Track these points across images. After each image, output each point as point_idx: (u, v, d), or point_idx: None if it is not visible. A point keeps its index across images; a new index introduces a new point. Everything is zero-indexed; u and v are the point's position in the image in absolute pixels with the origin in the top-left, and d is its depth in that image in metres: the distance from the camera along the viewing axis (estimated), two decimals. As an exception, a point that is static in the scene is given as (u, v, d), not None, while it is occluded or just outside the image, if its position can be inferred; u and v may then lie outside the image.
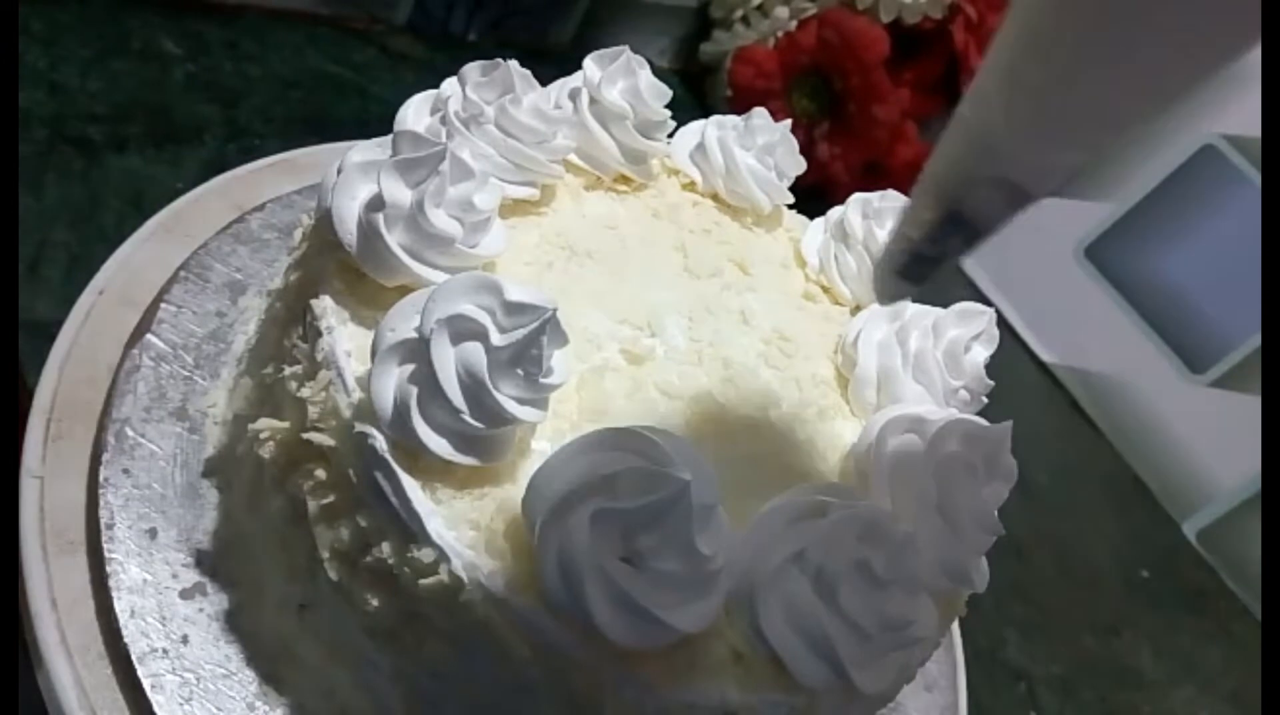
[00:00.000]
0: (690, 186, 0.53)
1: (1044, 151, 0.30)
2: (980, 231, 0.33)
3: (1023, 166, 0.31)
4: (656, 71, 0.50)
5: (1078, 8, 0.28)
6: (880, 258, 0.35)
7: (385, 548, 0.34)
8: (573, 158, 0.48)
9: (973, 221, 0.32)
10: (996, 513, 0.40)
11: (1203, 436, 0.88)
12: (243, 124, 0.66)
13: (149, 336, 0.46)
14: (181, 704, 0.37)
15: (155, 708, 0.36)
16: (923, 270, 0.35)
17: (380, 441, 0.34)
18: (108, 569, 0.39)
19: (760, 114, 0.53)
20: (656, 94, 0.50)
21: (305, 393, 0.36)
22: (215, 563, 0.41)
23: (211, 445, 0.44)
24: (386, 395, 0.34)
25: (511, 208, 0.45)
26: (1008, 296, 0.99)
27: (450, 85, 0.45)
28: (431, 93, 0.45)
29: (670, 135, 0.52)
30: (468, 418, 0.33)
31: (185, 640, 0.38)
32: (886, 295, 0.36)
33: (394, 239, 0.37)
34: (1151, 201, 0.90)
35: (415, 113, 0.45)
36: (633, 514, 0.32)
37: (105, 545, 0.39)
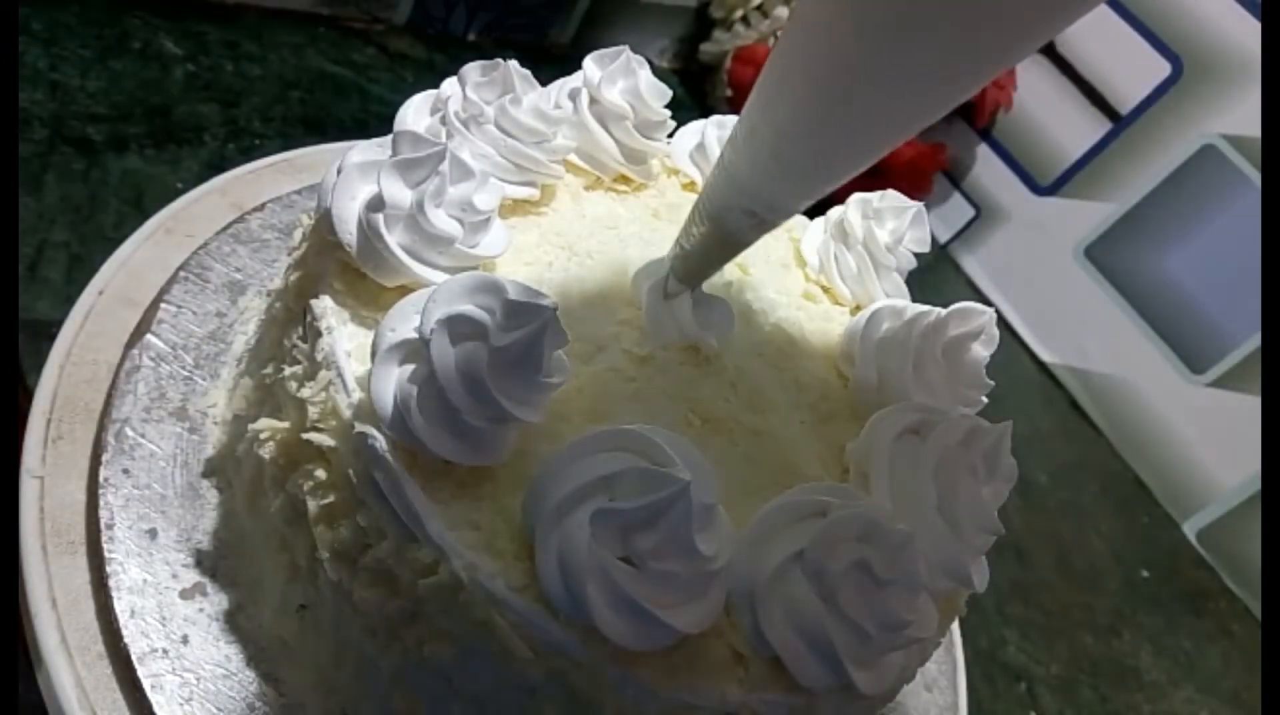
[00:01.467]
0: (690, 186, 0.53)
1: (774, 191, 0.37)
2: (737, 245, 0.40)
3: (760, 201, 0.37)
4: (656, 71, 0.50)
5: (793, 83, 0.34)
6: (659, 261, 0.42)
7: (385, 548, 0.34)
8: (573, 158, 0.48)
9: (730, 237, 0.39)
10: (996, 513, 0.40)
11: (1203, 436, 0.88)
12: (243, 124, 0.66)
13: (149, 336, 0.46)
14: (181, 704, 0.37)
15: (155, 708, 0.36)
16: (695, 274, 0.42)
17: (380, 441, 0.34)
18: (108, 569, 0.39)
19: (760, 114, 0.53)
20: (656, 94, 0.50)
21: (305, 393, 0.36)
22: (215, 563, 0.41)
23: (211, 445, 0.44)
24: (386, 395, 0.34)
25: (511, 208, 0.45)
26: (1008, 296, 0.99)
27: (450, 85, 0.45)
28: (431, 93, 0.45)
29: (670, 135, 0.52)
30: (468, 418, 0.33)
31: (185, 640, 0.38)
32: (668, 293, 0.42)
33: (394, 239, 0.37)
34: (1151, 201, 0.90)
35: (415, 113, 0.45)
36: (633, 514, 0.32)
37: (105, 545, 0.39)
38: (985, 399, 0.47)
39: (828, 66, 0.32)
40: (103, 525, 0.40)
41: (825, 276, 0.51)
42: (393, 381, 0.34)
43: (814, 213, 0.52)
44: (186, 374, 0.46)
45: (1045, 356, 0.97)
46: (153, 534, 0.41)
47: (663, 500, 0.31)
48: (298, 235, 0.43)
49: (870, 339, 0.46)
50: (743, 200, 0.37)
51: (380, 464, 0.34)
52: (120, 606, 0.38)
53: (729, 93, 0.91)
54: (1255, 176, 0.84)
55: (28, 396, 0.43)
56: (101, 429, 0.42)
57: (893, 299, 0.50)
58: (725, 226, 0.39)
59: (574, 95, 0.49)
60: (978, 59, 0.30)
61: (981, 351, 0.47)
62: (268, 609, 0.39)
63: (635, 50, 0.49)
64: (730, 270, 0.49)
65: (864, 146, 0.35)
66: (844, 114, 0.33)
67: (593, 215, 0.48)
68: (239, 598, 0.40)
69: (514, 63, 0.45)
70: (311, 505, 0.36)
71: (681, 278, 0.42)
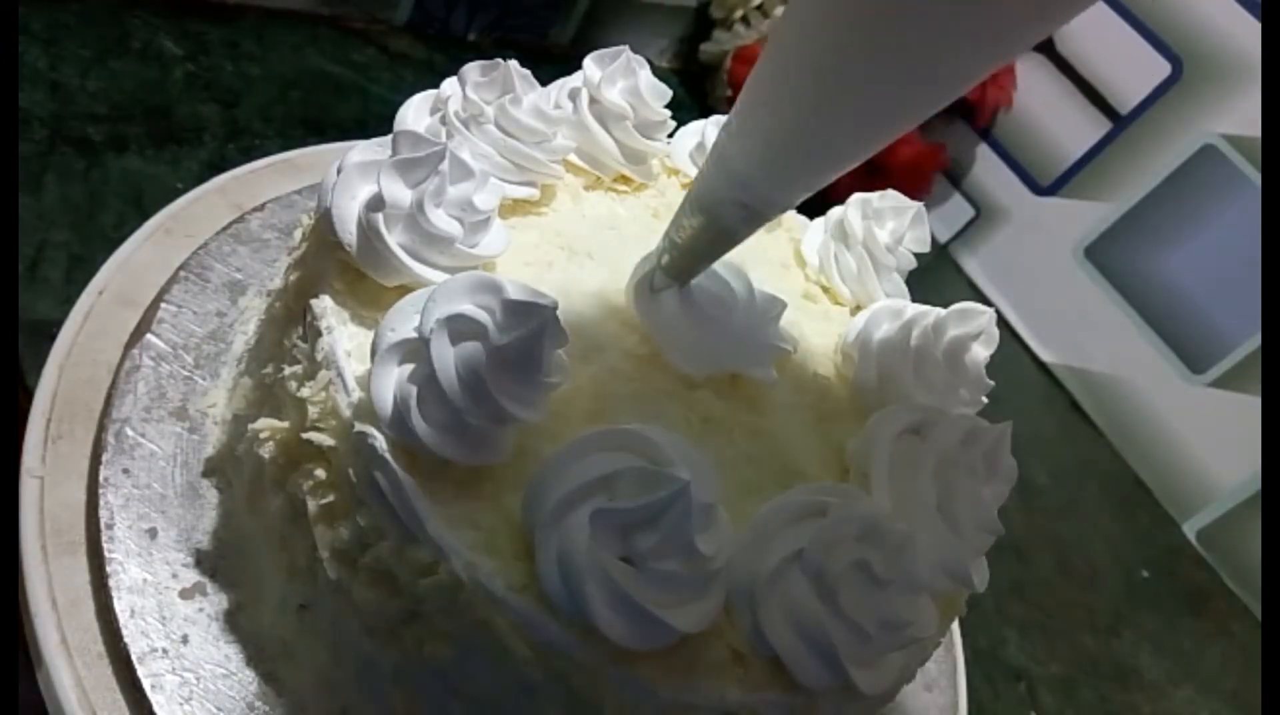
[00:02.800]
0: (690, 186, 0.53)
1: (768, 183, 0.36)
2: (728, 239, 0.39)
3: (753, 193, 0.37)
4: (656, 71, 0.50)
5: (787, 74, 0.34)
6: (651, 255, 0.41)
7: (385, 547, 0.34)
8: (573, 158, 0.48)
9: (722, 230, 0.39)
10: (996, 513, 0.40)
11: (1203, 436, 0.88)
12: (243, 124, 0.66)
13: (149, 336, 0.46)
14: (181, 704, 0.37)
15: (155, 708, 0.36)
16: (686, 269, 0.41)
17: (380, 441, 0.34)
18: (108, 569, 0.39)
19: (760, 114, 0.53)
20: (656, 94, 0.50)
21: (305, 393, 0.36)
22: (215, 562, 0.41)
23: (211, 445, 0.44)
24: (386, 395, 0.34)
25: (511, 208, 0.45)
26: (1008, 296, 0.99)
27: (450, 85, 0.45)
28: (431, 93, 0.45)
29: (670, 135, 0.52)
30: (467, 417, 0.33)
31: (185, 640, 0.38)
32: (655, 287, 0.41)
33: (394, 239, 0.37)
34: (1151, 201, 0.90)
35: (415, 113, 0.45)
36: (632, 514, 0.32)
37: (105, 545, 0.39)
38: (985, 399, 0.47)
39: (822, 59, 0.32)
40: (103, 525, 0.40)
41: (825, 276, 0.51)
42: (392, 381, 0.34)
43: (814, 213, 0.53)
44: (186, 374, 0.46)
45: (1045, 356, 0.97)
46: (153, 534, 0.41)
47: (662, 500, 0.31)
48: (298, 235, 0.43)
49: (870, 339, 0.46)
50: (735, 192, 0.37)
51: (380, 464, 0.34)
52: (120, 606, 0.38)
53: (729, 93, 0.91)
54: (1255, 176, 0.84)
55: (28, 396, 0.43)
56: (101, 429, 0.42)
57: (893, 299, 0.50)
58: (717, 219, 0.38)
59: (574, 95, 0.49)
60: (972, 53, 0.30)
61: (981, 351, 0.47)
62: (268, 609, 0.39)
63: (635, 50, 0.49)
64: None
65: (858, 141, 0.35)
66: (838, 108, 0.33)
67: (593, 215, 0.48)
68: (239, 597, 0.40)
69: (514, 63, 0.45)
70: (311, 505, 0.36)
71: (670, 273, 0.41)
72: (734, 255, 0.50)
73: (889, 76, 0.31)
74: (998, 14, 0.28)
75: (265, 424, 0.38)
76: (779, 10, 0.88)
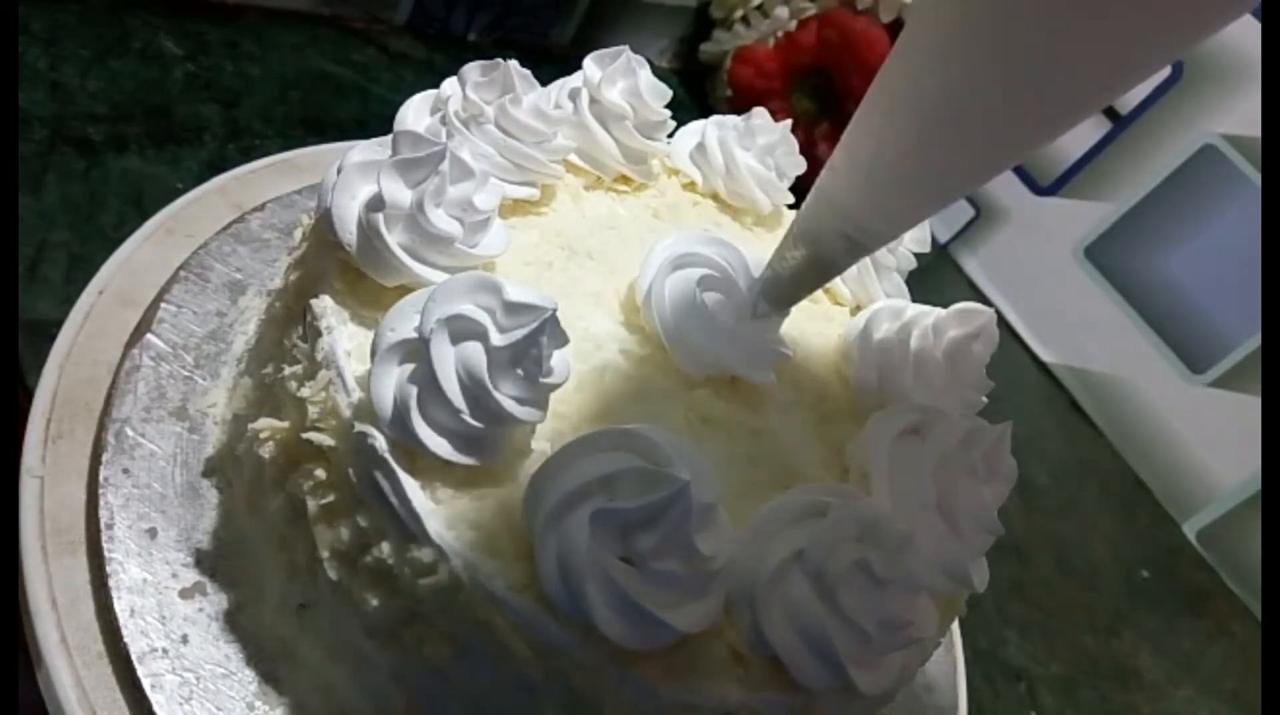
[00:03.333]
0: (690, 186, 0.53)
1: (870, 215, 0.37)
2: (830, 269, 0.40)
3: (855, 224, 0.37)
4: (656, 71, 0.50)
5: (896, 110, 0.34)
6: (755, 284, 0.42)
7: (385, 547, 0.34)
8: (573, 158, 0.48)
9: (824, 263, 0.39)
10: (996, 513, 0.40)
11: (1203, 436, 0.88)
12: (243, 124, 0.66)
13: (149, 336, 0.46)
14: (181, 703, 0.37)
15: (155, 707, 0.36)
16: (787, 297, 0.42)
17: (380, 441, 0.34)
18: (108, 569, 0.39)
19: (760, 114, 0.53)
20: (656, 94, 0.50)
21: (305, 392, 0.36)
22: (215, 562, 0.41)
23: (211, 445, 0.44)
24: (386, 395, 0.34)
25: (511, 208, 0.45)
26: (1008, 296, 0.99)
27: (450, 85, 0.45)
28: (431, 93, 0.45)
29: (670, 135, 0.52)
30: (467, 418, 0.33)
31: (185, 640, 0.38)
32: (757, 314, 0.42)
33: (394, 239, 0.37)
34: (1151, 201, 0.90)
35: (415, 113, 0.45)
36: (632, 514, 0.32)
37: (105, 545, 0.39)
38: (985, 399, 0.47)
39: (932, 99, 0.32)
40: (102, 525, 0.40)
41: (825, 276, 0.51)
42: (392, 381, 0.34)
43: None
44: (186, 374, 0.46)
45: (1045, 356, 0.97)
46: (152, 533, 0.41)
47: (662, 500, 0.31)
48: (298, 235, 0.43)
49: (870, 339, 0.46)
50: (838, 224, 0.37)
51: (380, 464, 0.34)
52: (120, 606, 0.38)
53: (729, 93, 0.91)
54: (1255, 176, 0.84)
55: (28, 396, 0.43)
56: (101, 429, 0.42)
57: (893, 299, 0.50)
58: (819, 250, 0.39)
59: (574, 95, 0.49)
60: (1088, 93, 0.30)
61: (981, 351, 0.47)
62: (268, 608, 0.39)
63: (635, 50, 0.49)
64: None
65: (962, 177, 0.35)
66: (944, 146, 0.33)
67: (593, 215, 0.48)
68: (239, 597, 0.40)
69: (514, 63, 0.45)
70: (311, 505, 0.36)
71: (773, 301, 0.42)
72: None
73: (999, 117, 0.31)
74: (1120, 50, 0.28)
75: (265, 424, 0.38)
76: (779, 10, 0.88)
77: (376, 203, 0.37)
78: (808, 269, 0.40)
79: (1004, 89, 0.30)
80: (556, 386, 0.35)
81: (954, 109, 0.32)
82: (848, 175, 0.37)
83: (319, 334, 0.37)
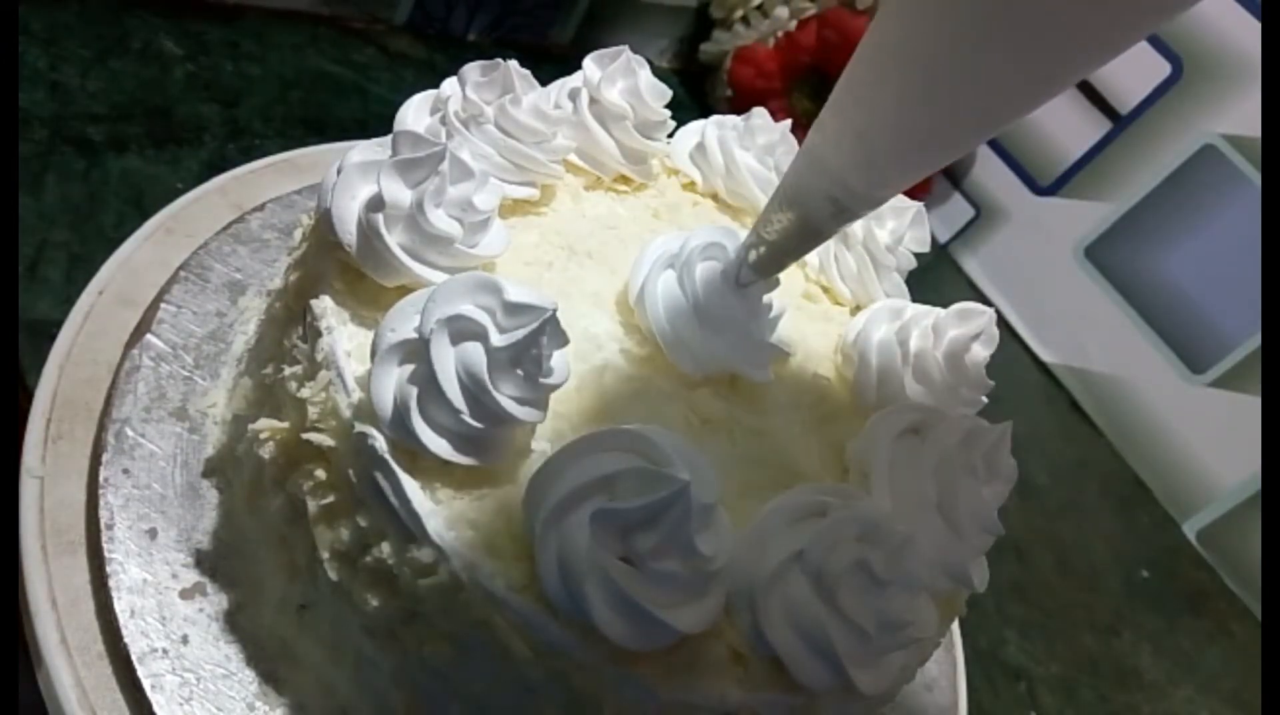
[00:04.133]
0: (690, 186, 0.53)
1: (860, 178, 0.36)
2: (816, 235, 0.39)
3: (844, 188, 0.36)
4: (656, 71, 0.50)
5: (886, 69, 0.33)
6: (739, 250, 0.41)
7: (385, 548, 0.34)
8: (573, 158, 0.48)
9: (811, 227, 0.38)
10: (996, 513, 0.40)
11: (1203, 436, 0.88)
12: (243, 124, 0.66)
13: (149, 336, 0.46)
14: (181, 704, 0.37)
15: (155, 708, 0.36)
16: (772, 263, 0.41)
17: (380, 442, 0.34)
18: (108, 569, 0.39)
19: (760, 114, 0.53)
20: (656, 94, 0.50)
21: (305, 393, 0.36)
22: (215, 563, 0.41)
23: (211, 445, 0.44)
24: (386, 395, 0.34)
25: (511, 208, 0.45)
26: (1008, 296, 0.99)
27: (450, 85, 0.45)
28: (431, 93, 0.45)
29: (670, 135, 0.52)
30: (467, 418, 0.33)
31: (185, 640, 0.38)
32: (741, 282, 0.41)
33: (394, 239, 0.37)
34: (1151, 201, 0.90)
35: (415, 113, 0.45)
36: (632, 514, 0.32)
37: (105, 545, 0.39)
38: (985, 399, 0.47)
39: (925, 54, 0.31)
40: (103, 525, 0.40)
41: (825, 276, 0.51)
42: (392, 381, 0.34)
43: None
44: (186, 374, 0.46)
45: (1045, 356, 0.97)
46: (153, 534, 0.41)
47: (662, 500, 0.31)
48: (298, 235, 0.43)
49: (870, 339, 0.46)
50: (826, 186, 0.36)
51: (380, 464, 0.34)
52: (120, 606, 0.38)
53: (729, 93, 0.91)
54: (1255, 176, 0.84)
55: (28, 396, 0.43)
56: (101, 429, 0.42)
57: (893, 299, 0.50)
58: (807, 215, 0.38)
59: (574, 95, 0.49)
60: (1079, 52, 0.29)
61: (981, 351, 0.47)
62: (268, 609, 0.39)
63: (635, 50, 0.49)
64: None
65: (956, 137, 0.34)
66: (937, 105, 0.32)
67: (593, 215, 0.48)
68: (239, 597, 0.40)
69: (514, 63, 0.45)
70: (311, 505, 0.36)
71: (757, 268, 0.41)
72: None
73: (994, 75, 0.30)
74: (1105, 12, 0.28)
75: (265, 424, 0.38)
76: (779, 10, 0.88)
77: (376, 203, 0.37)
78: (794, 233, 0.39)
79: (996, 44, 0.29)
80: (556, 387, 0.35)
81: (946, 66, 0.31)
82: (836, 136, 0.36)
83: (319, 334, 0.37)
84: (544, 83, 0.47)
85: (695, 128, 0.54)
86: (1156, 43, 0.88)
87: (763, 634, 0.34)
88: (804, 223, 0.38)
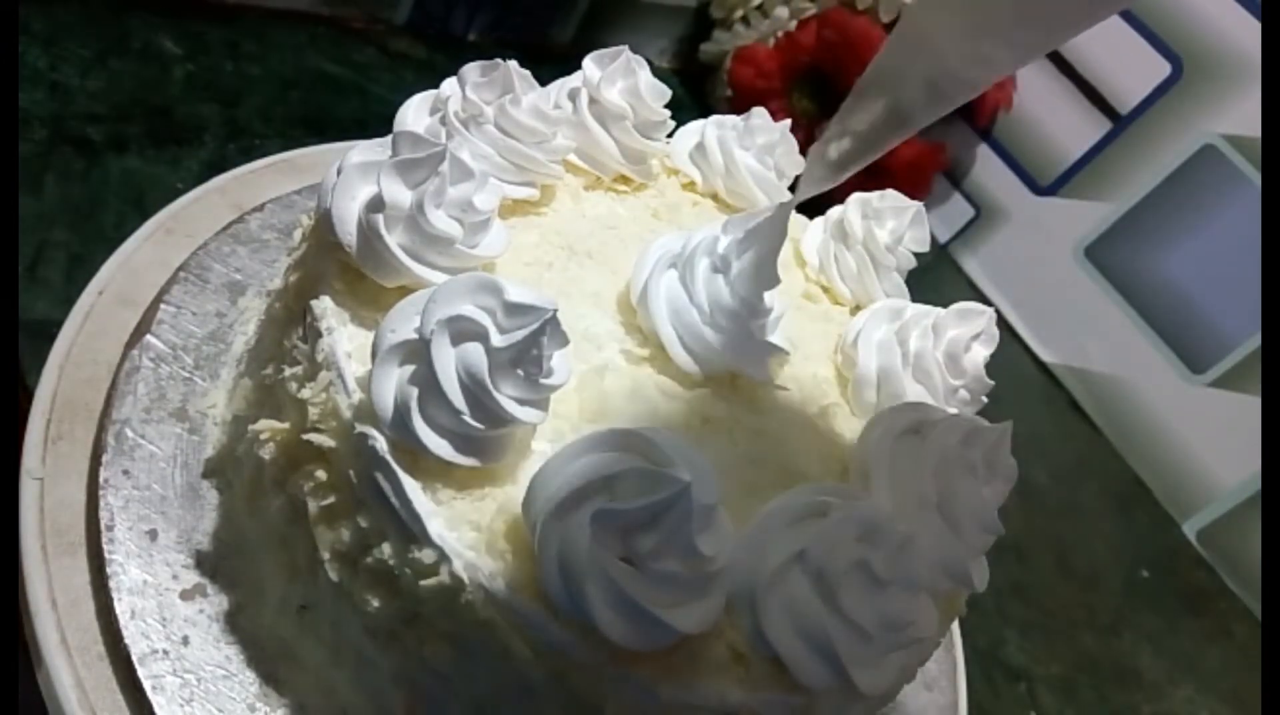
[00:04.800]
0: (690, 186, 0.53)
1: (966, 51, 0.33)
2: (905, 123, 0.36)
3: (945, 66, 0.34)
4: (656, 71, 0.50)
5: None
6: (817, 145, 0.39)
7: (386, 549, 0.34)
8: (573, 158, 0.48)
9: (901, 113, 0.36)
10: (996, 513, 0.40)
11: (1203, 436, 0.88)
12: (243, 124, 0.66)
13: (149, 337, 0.46)
14: (182, 705, 0.37)
15: (156, 709, 0.36)
16: (854, 156, 0.38)
17: (380, 442, 0.34)
18: (108, 570, 0.39)
19: (760, 114, 0.53)
20: (656, 94, 0.50)
21: (305, 394, 0.36)
22: (215, 564, 0.41)
23: (211, 446, 0.44)
24: (387, 396, 0.34)
25: (511, 208, 0.45)
26: (1008, 296, 0.99)
27: (450, 85, 0.45)
28: (431, 93, 0.45)
29: (670, 135, 0.52)
30: (468, 419, 0.33)
31: (186, 641, 0.38)
32: (813, 182, 0.39)
33: (394, 240, 0.37)
34: (1151, 201, 0.90)
35: (415, 113, 0.45)
36: (633, 514, 0.32)
37: (105, 546, 0.39)
38: (985, 399, 0.47)
39: None
40: (103, 526, 0.40)
41: (825, 276, 0.51)
42: (393, 382, 0.34)
43: (814, 213, 0.53)
44: (186, 375, 0.46)
45: (1045, 356, 0.97)
46: (153, 535, 0.41)
47: (663, 501, 0.31)
48: (298, 235, 0.43)
49: (870, 339, 0.46)
50: (924, 69, 0.34)
51: (380, 465, 0.34)
52: (121, 607, 0.38)
53: (729, 93, 0.91)
54: (1255, 176, 0.84)
55: (28, 396, 0.43)
56: (101, 430, 0.42)
57: (892, 299, 0.50)
58: (899, 102, 0.36)
59: (574, 95, 0.49)
60: None
61: (981, 351, 0.47)
62: (268, 610, 0.39)
63: (635, 50, 0.49)
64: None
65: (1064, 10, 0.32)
66: None
67: (593, 215, 0.48)
68: (239, 598, 0.40)
69: (514, 63, 0.45)
70: (312, 506, 0.36)
71: (838, 164, 0.38)
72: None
73: None
74: None
75: (265, 425, 0.38)
76: (779, 10, 0.88)
77: (376, 203, 0.37)
78: (882, 123, 0.36)
79: None
80: (557, 387, 0.35)
81: None
82: (942, 8, 0.34)
83: (319, 335, 0.37)
84: (544, 83, 0.47)
85: (695, 128, 0.54)
86: (1156, 43, 0.88)
87: (763, 634, 0.34)
88: (894, 111, 0.36)
